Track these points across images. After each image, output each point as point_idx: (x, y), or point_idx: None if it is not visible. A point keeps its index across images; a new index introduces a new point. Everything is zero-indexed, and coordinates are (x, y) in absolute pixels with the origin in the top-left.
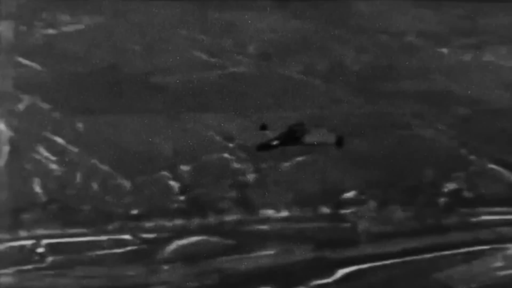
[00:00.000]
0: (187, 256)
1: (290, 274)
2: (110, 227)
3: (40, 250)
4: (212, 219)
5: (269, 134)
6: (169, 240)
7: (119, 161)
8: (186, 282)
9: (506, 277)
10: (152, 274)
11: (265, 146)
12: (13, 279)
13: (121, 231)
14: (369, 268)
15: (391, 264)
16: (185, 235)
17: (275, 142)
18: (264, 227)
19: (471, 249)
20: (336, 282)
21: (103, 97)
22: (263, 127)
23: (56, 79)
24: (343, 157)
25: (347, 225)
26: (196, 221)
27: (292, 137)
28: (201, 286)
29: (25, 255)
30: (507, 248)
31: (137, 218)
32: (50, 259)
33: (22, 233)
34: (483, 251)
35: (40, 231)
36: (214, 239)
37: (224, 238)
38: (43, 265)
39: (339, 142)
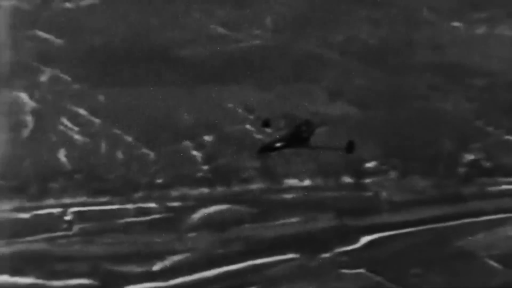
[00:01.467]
0: (212, 224)
1: (314, 241)
2: (136, 195)
3: (68, 217)
4: (236, 188)
5: (272, 131)
6: (194, 209)
7: (142, 132)
8: (212, 249)
9: None
10: (178, 241)
11: (268, 149)
12: (43, 246)
13: (147, 199)
14: (392, 235)
15: (413, 232)
16: (210, 203)
17: (279, 144)
18: (288, 196)
19: (490, 217)
20: (360, 249)
21: (123, 70)
22: (266, 124)
23: (75, 52)
24: (363, 128)
25: (369, 194)
26: (220, 190)
27: (298, 137)
28: (227, 253)
29: (53, 223)
30: None
31: (162, 187)
32: (78, 226)
33: (50, 202)
34: (502, 219)
35: (67, 200)
36: (238, 207)
37: (248, 207)
38: (71, 232)
39: (350, 148)
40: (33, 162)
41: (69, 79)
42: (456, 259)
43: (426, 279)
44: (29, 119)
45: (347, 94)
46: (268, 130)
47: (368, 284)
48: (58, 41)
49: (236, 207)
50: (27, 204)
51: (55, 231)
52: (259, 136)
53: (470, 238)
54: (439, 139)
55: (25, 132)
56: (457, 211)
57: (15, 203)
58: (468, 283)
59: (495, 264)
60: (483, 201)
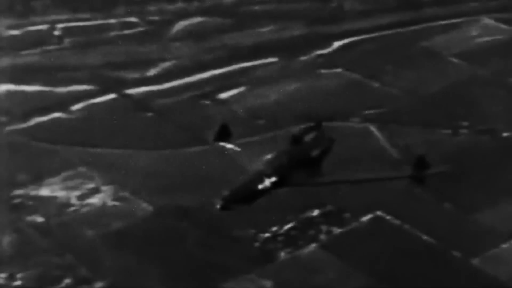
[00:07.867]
0: (194, 34)
1: (291, 46)
2: (117, 11)
3: (57, 33)
4: (209, 2)
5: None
6: (173, 21)
7: None
8: (198, 56)
9: (482, 44)
10: (165, 50)
11: (244, 198)
12: (39, 58)
13: (128, 14)
14: (362, 39)
15: (381, 35)
16: (187, 16)
17: (266, 183)
18: (259, 7)
19: (449, 21)
20: (335, 51)
21: None
22: (222, 134)
23: None
24: None
25: (334, 5)
26: (195, 4)
27: (302, 159)
28: (212, 59)
29: (44, 38)
30: (481, 20)
31: (140, 2)
32: (68, 40)
33: (36, 19)
34: (460, 23)
35: (52, 17)
36: (214, 19)
37: (223, 18)
38: (63, 45)
39: (419, 175)
40: None
41: None
42: (423, 57)
43: (398, 75)
44: None
45: None
46: (230, 146)
47: (346, 81)
48: None
49: (212, 19)
50: (16, 22)
51: (48, 45)
52: None
53: (432, 39)
54: None
55: None
56: (417, 17)
57: (5, 22)
58: (435, 79)
59: (456, 60)
60: (439, 7)
